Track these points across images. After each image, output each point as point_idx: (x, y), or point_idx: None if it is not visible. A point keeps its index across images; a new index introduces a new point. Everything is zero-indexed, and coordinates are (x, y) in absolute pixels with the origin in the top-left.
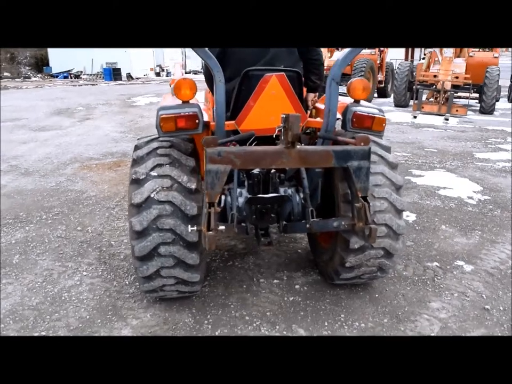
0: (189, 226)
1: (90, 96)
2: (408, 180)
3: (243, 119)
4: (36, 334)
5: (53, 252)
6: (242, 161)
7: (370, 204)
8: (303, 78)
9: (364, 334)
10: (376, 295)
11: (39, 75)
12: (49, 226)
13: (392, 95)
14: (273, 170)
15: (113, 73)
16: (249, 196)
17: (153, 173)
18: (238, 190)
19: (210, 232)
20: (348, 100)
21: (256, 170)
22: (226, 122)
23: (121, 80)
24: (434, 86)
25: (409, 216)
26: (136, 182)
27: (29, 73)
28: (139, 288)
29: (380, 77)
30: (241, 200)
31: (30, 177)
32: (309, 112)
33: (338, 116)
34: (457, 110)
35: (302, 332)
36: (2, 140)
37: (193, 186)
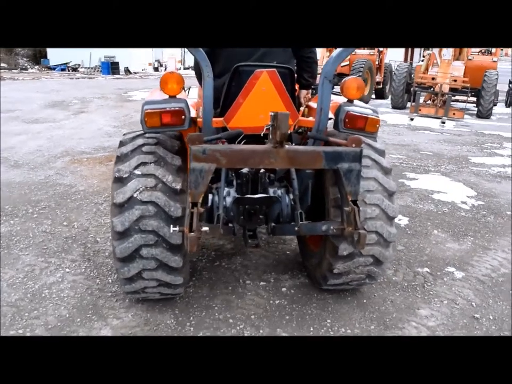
0: (171, 226)
1: (87, 90)
2: (402, 183)
3: (232, 116)
4: (12, 332)
5: (37, 247)
6: (228, 160)
7: (360, 209)
8: (295, 75)
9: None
10: (364, 301)
11: (36, 67)
12: (35, 221)
13: (390, 97)
14: (262, 170)
15: (111, 67)
16: (237, 195)
17: (137, 172)
18: (226, 189)
19: (192, 233)
20: (341, 99)
21: (245, 170)
22: (215, 119)
23: (119, 74)
24: (432, 89)
25: (401, 220)
26: (119, 181)
27: (26, 64)
28: (121, 288)
29: (378, 78)
30: (228, 200)
31: (19, 170)
32: (301, 110)
33: (331, 115)
34: (454, 114)
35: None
36: None
37: (178, 186)
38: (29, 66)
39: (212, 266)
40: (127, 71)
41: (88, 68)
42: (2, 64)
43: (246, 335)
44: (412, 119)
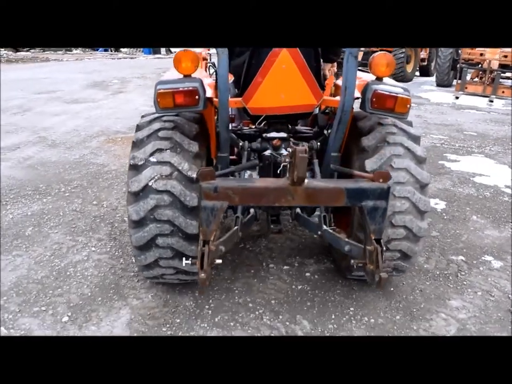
0: (184, 259)
1: (127, 70)
2: (442, 165)
3: (251, 96)
4: (35, 309)
5: (66, 226)
6: (240, 197)
7: (389, 203)
8: (319, 51)
9: (373, 330)
10: (391, 289)
11: (80, 48)
12: (66, 200)
13: (435, 74)
14: (286, 153)
15: None
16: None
17: (153, 159)
18: (248, 172)
19: (202, 275)
20: (370, 77)
21: (267, 152)
22: (234, 99)
23: (160, 53)
24: (480, 65)
25: (438, 204)
26: (135, 168)
27: None
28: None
29: (423, 54)
30: None
31: (55, 149)
32: (328, 88)
33: (358, 94)
34: (503, 92)
35: (305, 324)
36: (36, 111)
37: (195, 175)
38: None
39: (236, 249)
40: (168, 50)
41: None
42: None
43: (264, 320)
44: (457, 98)
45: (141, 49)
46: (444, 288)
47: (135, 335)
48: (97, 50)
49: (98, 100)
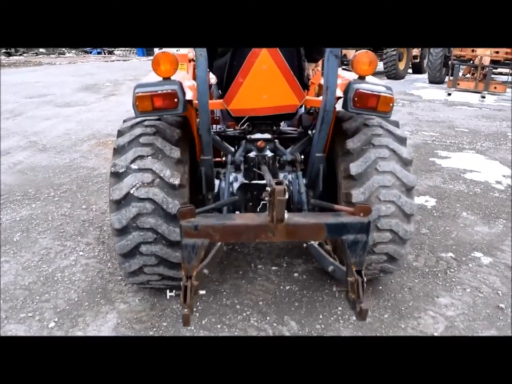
0: (168, 291)
1: (120, 72)
2: (433, 162)
3: (232, 98)
4: (22, 315)
5: (54, 230)
6: (221, 235)
7: (374, 207)
8: (302, 50)
9: (361, 329)
10: (380, 287)
11: (73, 51)
12: (55, 204)
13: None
14: (271, 154)
15: (146, 49)
16: (244, 181)
17: (134, 166)
18: (234, 174)
19: (185, 311)
20: (352, 76)
21: (252, 154)
22: (215, 101)
23: (153, 55)
24: (472, 61)
25: (428, 201)
26: (116, 176)
27: (63, 49)
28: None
29: (415, 51)
30: (235, 185)
31: (46, 154)
32: (312, 87)
33: (341, 94)
34: (495, 87)
35: (293, 324)
36: (27, 116)
37: (177, 181)
38: (66, 50)
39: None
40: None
41: (124, 50)
42: (41, 50)
43: (251, 321)
44: (449, 94)
45: (134, 51)
46: (433, 286)
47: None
48: (90, 53)
49: (90, 103)
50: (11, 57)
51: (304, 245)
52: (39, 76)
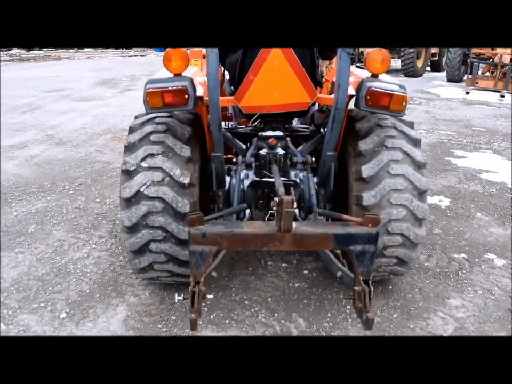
0: (176, 295)
1: (137, 67)
2: (448, 161)
3: (243, 95)
4: (34, 306)
5: (68, 223)
6: (229, 242)
7: (386, 211)
8: (315, 48)
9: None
10: (390, 287)
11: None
12: (70, 197)
13: (445, 69)
14: (282, 152)
15: None
16: (255, 178)
17: (144, 164)
18: (245, 171)
19: (193, 315)
20: (365, 74)
21: (263, 151)
22: (226, 98)
23: None
24: (491, 60)
25: (442, 201)
26: (126, 174)
27: None
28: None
29: (434, 49)
30: (246, 182)
31: (62, 147)
32: (325, 85)
33: (354, 92)
34: None
35: (301, 322)
36: (45, 110)
37: (187, 180)
38: None
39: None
40: None
41: None
42: None
43: (260, 317)
44: (467, 93)
45: None
46: (444, 287)
47: (131, 331)
48: (108, 48)
49: (107, 98)
50: (31, 51)
51: None
52: (58, 70)
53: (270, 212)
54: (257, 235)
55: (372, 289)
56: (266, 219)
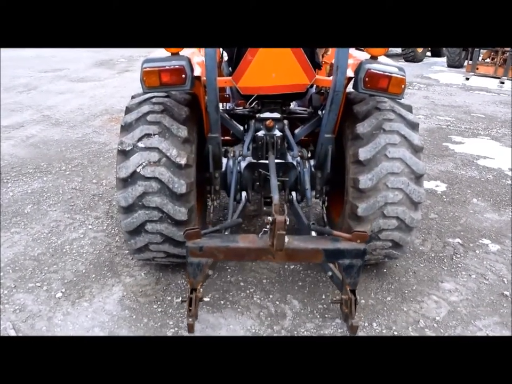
0: (174, 298)
1: (135, 48)
2: (446, 147)
3: (241, 75)
4: (30, 285)
5: (65, 204)
6: (224, 255)
7: (382, 194)
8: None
9: (363, 311)
10: (384, 270)
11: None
12: (67, 178)
13: (446, 55)
14: (279, 134)
15: None
16: (252, 160)
17: (141, 144)
18: (242, 153)
19: (190, 320)
20: (364, 56)
21: (260, 133)
22: (224, 78)
23: None
24: None
25: (439, 186)
26: (123, 154)
27: None
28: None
29: None
30: (243, 164)
31: (59, 128)
32: (324, 67)
33: (352, 74)
34: None
35: (295, 303)
36: (41, 90)
37: (183, 161)
38: None
39: (231, 228)
40: None
41: None
42: None
43: (254, 299)
44: (467, 79)
45: None
46: (438, 271)
47: (126, 311)
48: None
49: (104, 79)
50: None
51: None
52: (54, 51)
53: (265, 199)
54: (250, 249)
55: (358, 299)
56: (263, 203)
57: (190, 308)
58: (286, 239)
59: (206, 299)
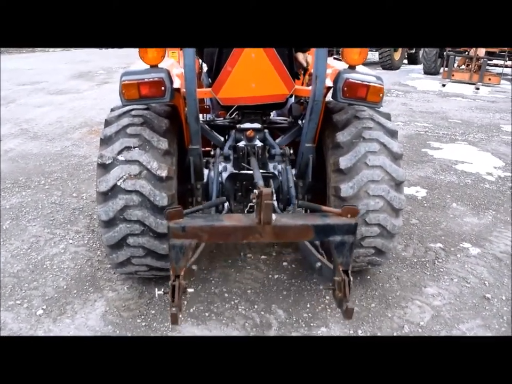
0: (156, 290)
1: (115, 59)
2: (425, 153)
3: (220, 86)
4: (10, 303)
5: (44, 218)
6: (209, 236)
7: (364, 202)
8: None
9: None
10: (368, 277)
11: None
12: (46, 192)
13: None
14: (260, 144)
15: None
16: (234, 171)
17: (121, 157)
18: (223, 164)
19: (174, 309)
20: (342, 66)
21: (241, 144)
22: (204, 90)
23: None
24: (467, 53)
25: (418, 192)
26: (103, 167)
27: None
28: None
29: None
30: (224, 175)
31: (37, 141)
32: (302, 77)
33: (331, 83)
34: (489, 79)
35: (280, 313)
36: (19, 103)
37: (164, 173)
38: None
39: None
40: None
41: None
42: None
43: (239, 310)
44: (443, 85)
45: None
46: (421, 276)
47: (109, 327)
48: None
49: (83, 91)
50: None
51: None
52: (32, 63)
53: (250, 204)
54: (237, 228)
55: (352, 279)
56: (246, 211)
57: (174, 297)
58: (274, 216)
59: (190, 290)
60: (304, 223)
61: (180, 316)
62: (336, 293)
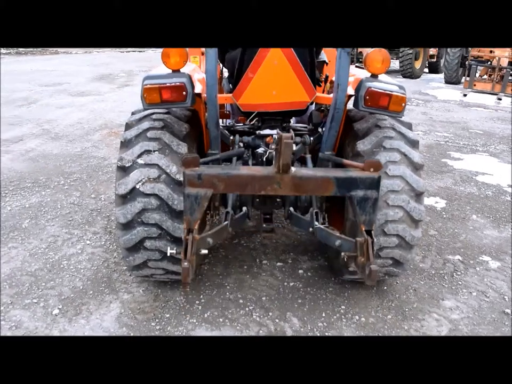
0: (169, 248)
1: (135, 63)
2: (445, 163)
3: (241, 92)
4: (27, 301)
5: (63, 218)
6: (225, 185)
7: (383, 212)
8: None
9: (363, 329)
10: (385, 288)
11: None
12: (65, 192)
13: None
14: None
15: None
16: None
17: (140, 161)
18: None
19: (185, 264)
20: (365, 74)
21: (261, 149)
22: (224, 95)
23: None
24: (489, 62)
25: (438, 203)
26: (122, 170)
27: None
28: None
29: (432, 50)
30: None
31: (58, 142)
32: (323, 84)
33: (353, 91)
34: None
35: (295, 321)
36: (41, 104)
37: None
38: None
39: (230, 244)
40: None
41: None
42: None
43: (254, 317)
44: (465, 95)
45: None
46: (438, 288)
47: (124, 329)
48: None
49: (104, 93)
50: None
51: (310, 229)
52: (55, 65)
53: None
54: (255, 177)
55: (375, 240)
56: (263, 220)
57: (186, 253)
58: (293, 168)
59: (203, 251)
60: (324, 175)
61: (192, 276)
62: (358, 259)
